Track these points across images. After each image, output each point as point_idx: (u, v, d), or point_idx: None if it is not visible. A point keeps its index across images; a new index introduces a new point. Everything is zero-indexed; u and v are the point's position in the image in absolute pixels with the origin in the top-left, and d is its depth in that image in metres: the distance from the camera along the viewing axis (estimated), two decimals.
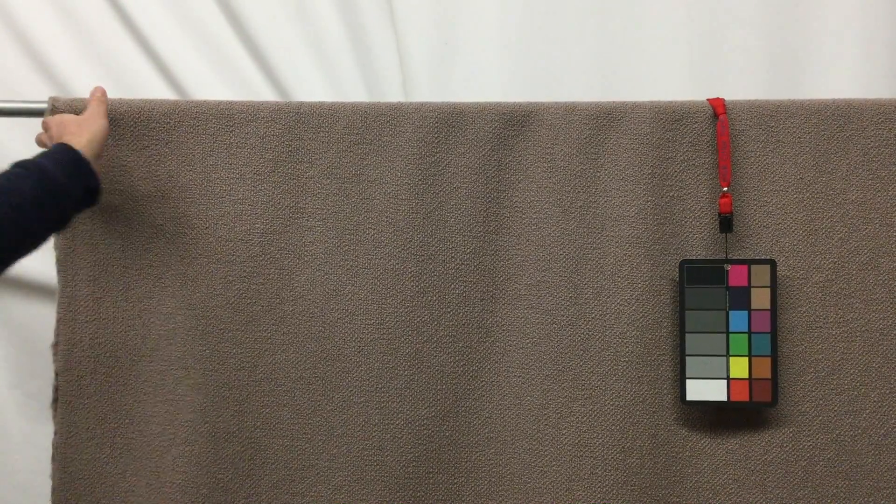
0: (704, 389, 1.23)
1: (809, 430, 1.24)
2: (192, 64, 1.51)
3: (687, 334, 1.23)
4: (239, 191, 1.24)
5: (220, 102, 1.25)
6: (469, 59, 1.52)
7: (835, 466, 1.23)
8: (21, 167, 1.01)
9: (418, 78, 1.50)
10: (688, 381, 1.23)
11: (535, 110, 1.24)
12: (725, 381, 1.23)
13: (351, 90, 1.53)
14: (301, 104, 1.26)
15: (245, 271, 1.24)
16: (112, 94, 1.49)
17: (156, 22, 1.50)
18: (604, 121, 1.24)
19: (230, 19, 1.51)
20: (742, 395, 1.22)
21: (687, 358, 1.23)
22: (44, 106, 1.24)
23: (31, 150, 1.09)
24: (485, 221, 1.25)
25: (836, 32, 1.49)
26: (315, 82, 1.52)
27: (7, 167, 1.01)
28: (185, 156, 1.24)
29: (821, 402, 1.24)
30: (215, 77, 1.52)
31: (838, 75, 1.49)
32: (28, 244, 0.98)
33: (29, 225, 0.97)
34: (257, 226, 1.24)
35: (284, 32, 1.51)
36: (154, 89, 1.51)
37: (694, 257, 1.24)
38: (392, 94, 1.51)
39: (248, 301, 1.24)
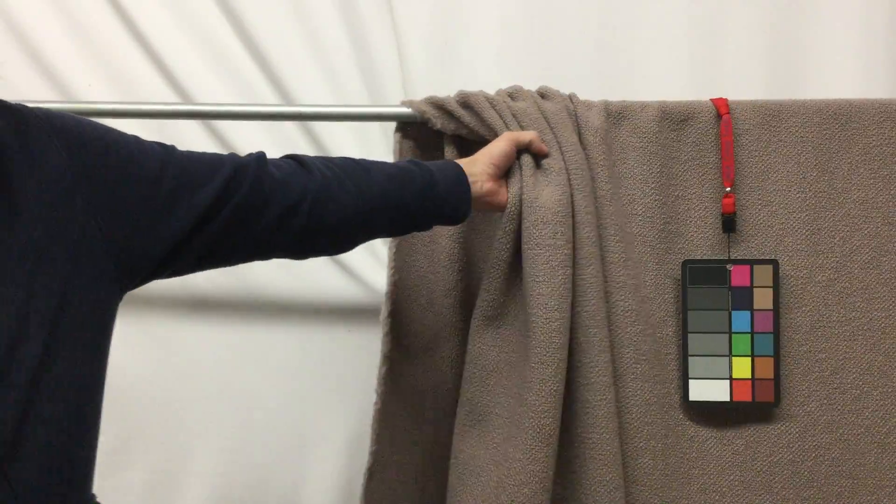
0: (707, 389, 1.22)
1: (815, 430, 1.23)
2: (192, 64, 1.51)
3: (690, 334, 1.22)
4: None
5: None
6: (469, 59, 1.52)
7: (839, 465, 1.23)
8: (416, 166, 1.06)
9: (418, 78, 1.49)
10: (691, 381, 1.22)
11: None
12: (728, 382, 1.23)
13: (351, 90, 1.52)
14: None
15: None
16: (112, 95, 1.51)
17: (156, 22, 1.50)
18: (615, 119, 1.23)
19: (230, 19, 1.51)
20: (745, 396, 1.22)
21: (690, 358, 1.22)
22: (42, 106, 1.23)
23: None
24: None
25: (836, 32, 1.49)
26: (315, 82, 1.52)
27: (405, 161, 1.08)
28: None
29: (825, 401, 1.24)
30: (215, 77, 1.51)
31: (838, 75, 1.49)
32: (384, 235, 1.09)
33: (392, 227, 1.06)
34: None
35: (284, 32, 1.51)
36: (154, 89, 1.51)
37: (697, 257, 1.24)
38: (392, 94, 1.51)
39: None
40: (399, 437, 1.27)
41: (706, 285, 1.22)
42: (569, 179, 1.15)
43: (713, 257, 1.24)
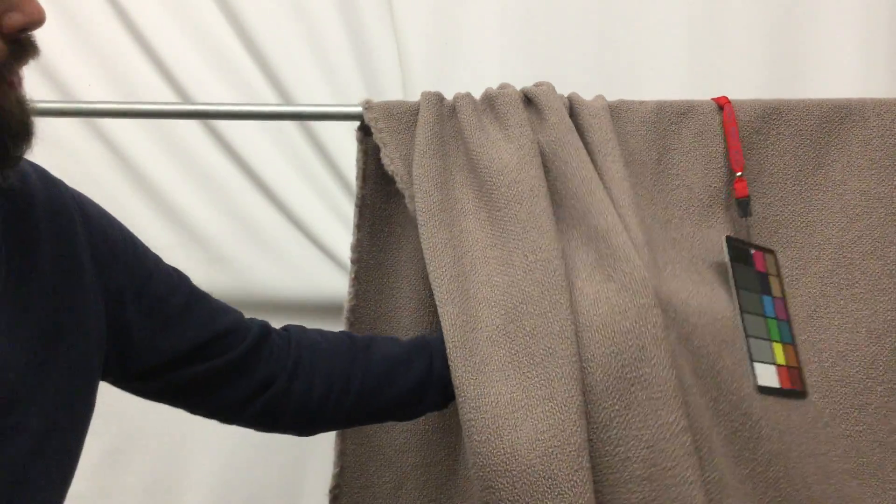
0: (765, 374, 1.12)
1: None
2: (192, 64, 1.51)
3: (745, 315, 1.13)
4: None
5: None
6: (469, 59, 1.52)
7: (844, 463, 1.19)
8: (419, 347, 1.02)
9: (418, 78, 1.49)
10: (756, 364, 1.11)
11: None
12: (774, 367, 1.15)
13: (351, 90, 1.52)
14: None
15: None
16: (112, 95, 1.51)
17: (156, 22, 1.50)
18: (613, 114, 1.22)
19: (230, 19, 1.51)
20: (786, 383, 1.15)
21: (749, 340, 1.11)
22: (42, 106, 1.23)
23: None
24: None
25: (836, 32, 1.50)
26: (315, 82, 1.52)
27: (409, 343, 1.03)
28: None
29: (826, 392, 1.20)
30: (215, 77, 1.51)
31: (838, 75, 1.50)
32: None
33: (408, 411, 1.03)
34: None
35: (284, 32, 1.51)
36: (154, 89, 1.51)
37: (697, 247, 1.20)
38: (392, 93, 1.51)
39: None
40: (368, 454, 1.24)
41: (744, 264, 1.17)
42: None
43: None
